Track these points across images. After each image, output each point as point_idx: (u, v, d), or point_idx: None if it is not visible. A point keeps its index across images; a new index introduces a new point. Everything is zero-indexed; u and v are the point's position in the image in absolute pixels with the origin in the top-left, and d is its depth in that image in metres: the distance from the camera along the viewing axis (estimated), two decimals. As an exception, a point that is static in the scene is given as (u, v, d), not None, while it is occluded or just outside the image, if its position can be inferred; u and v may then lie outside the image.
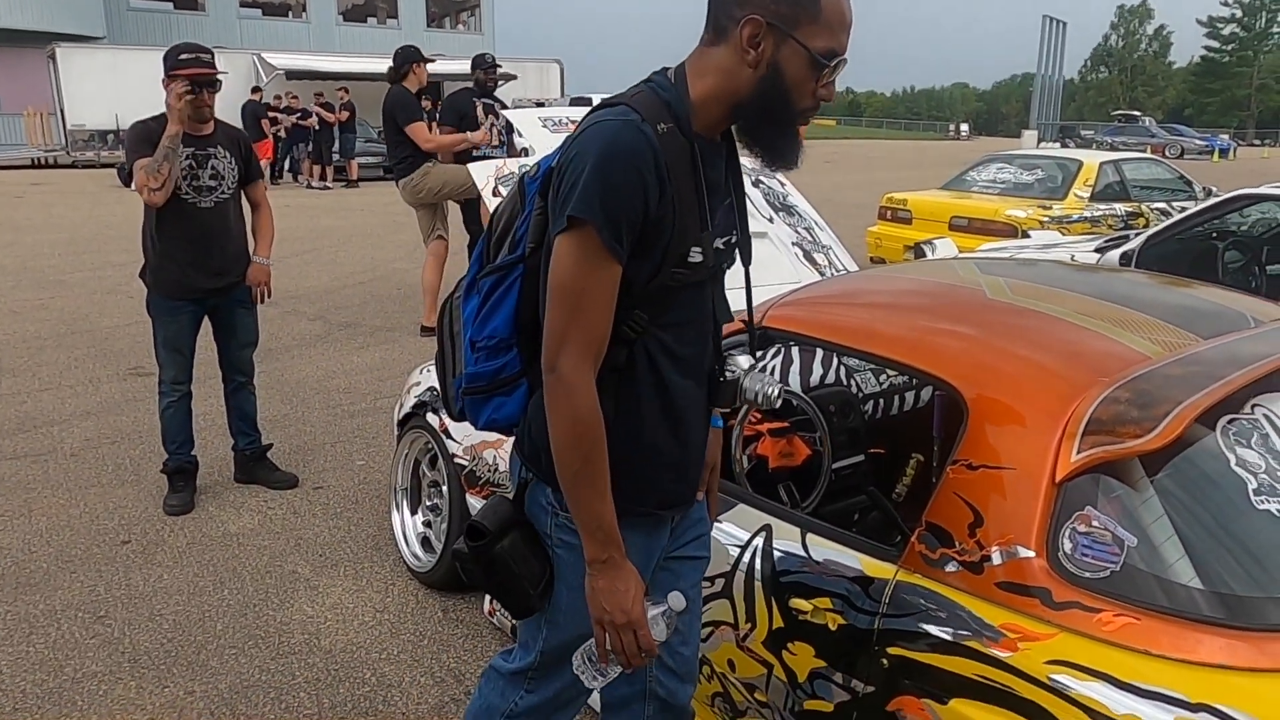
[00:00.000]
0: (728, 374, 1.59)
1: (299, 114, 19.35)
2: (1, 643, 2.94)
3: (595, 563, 1.45)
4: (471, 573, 1.58)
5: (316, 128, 19.10)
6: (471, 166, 4.28)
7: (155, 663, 2.85)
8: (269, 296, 3.98)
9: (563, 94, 28.64)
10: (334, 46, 29.58)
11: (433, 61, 6.82)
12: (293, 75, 22.57)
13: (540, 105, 22.38)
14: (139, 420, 5.00)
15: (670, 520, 1.64)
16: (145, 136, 3.61)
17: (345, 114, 19.35)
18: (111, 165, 20.28)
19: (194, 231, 3.69)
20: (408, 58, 6.48)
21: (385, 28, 33.64)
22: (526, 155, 3.29)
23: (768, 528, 2.00)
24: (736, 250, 1.59)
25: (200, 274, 3.72)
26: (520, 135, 3.57)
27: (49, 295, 8.21)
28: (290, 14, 32.68)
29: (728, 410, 1.63)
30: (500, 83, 12.70)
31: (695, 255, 1.45)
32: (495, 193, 3.21)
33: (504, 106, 6.87)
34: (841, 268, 3.62)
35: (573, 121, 3.56)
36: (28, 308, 7.72)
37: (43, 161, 22.70)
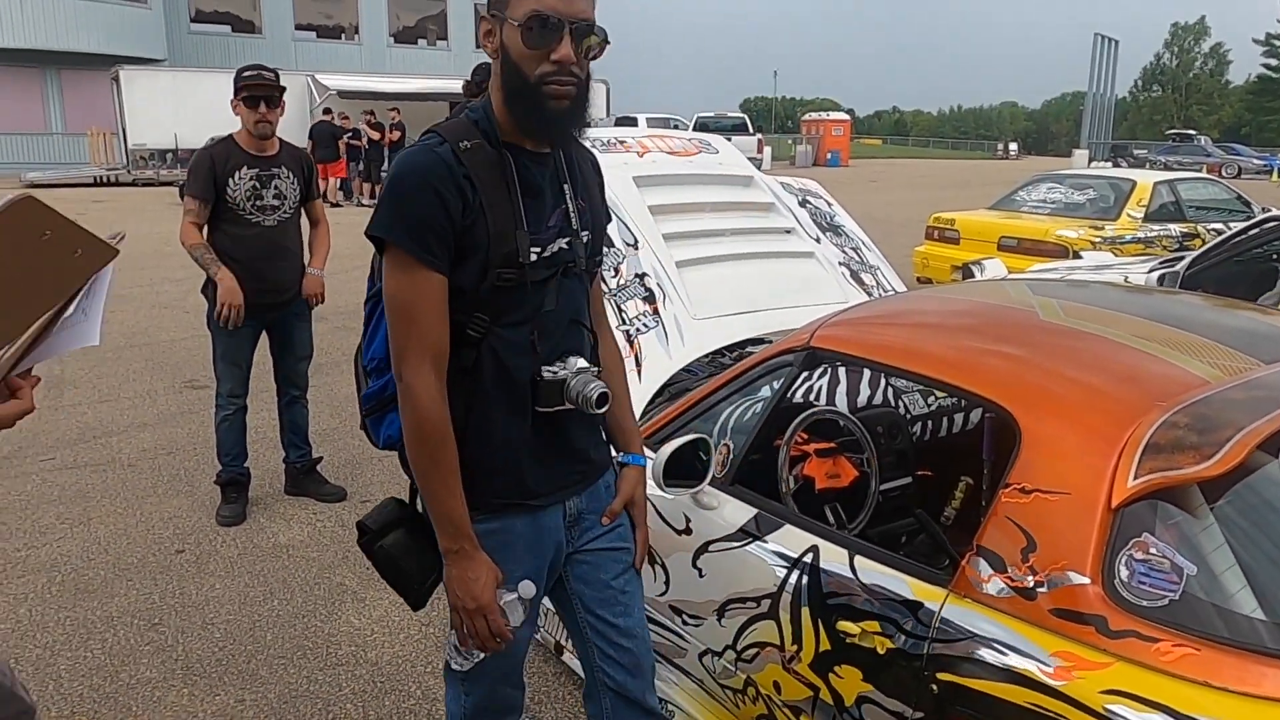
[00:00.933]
0: (547, 374, 1.63)
1: (350, 133, 19.74)
2: (61, 647, 3.02)
3: (448, 553, 1.59)
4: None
5: (366, 146, 19.47)
6: None
7: (207, 670, 2.91)
8: (322, 302, 4.05)
9: (608, 114, 28.88)
10: (385, 67, 30.18)
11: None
12: (345, 95, 23.03)
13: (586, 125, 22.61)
14: (193, 432, 5.12)
15: (559, 509, 1.72)
16: (205, 168, 3.73)
17: (396, 134, 19.69)
18: (170, 183, 20.83)
19: (255, 249, 3.79)
20: (489, 74, 6.51)
21: (435, 49, 34.23)
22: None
23: (815, 549, 1.99)
24: (585, 250, 1.68)
25: (260, 289, 3.81)
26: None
27: (109, 310, 8.43)
28: (343, 36, 33.40)
29: (550, 410, 1.65)
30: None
31: (524, 256, 1.56)
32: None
33: None
34: (889, 288, 3.60)
35: (622, 142, 3.60)
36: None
37: (104, 180, 23.39)
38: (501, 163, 1.57)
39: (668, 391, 2.90)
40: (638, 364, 2.91)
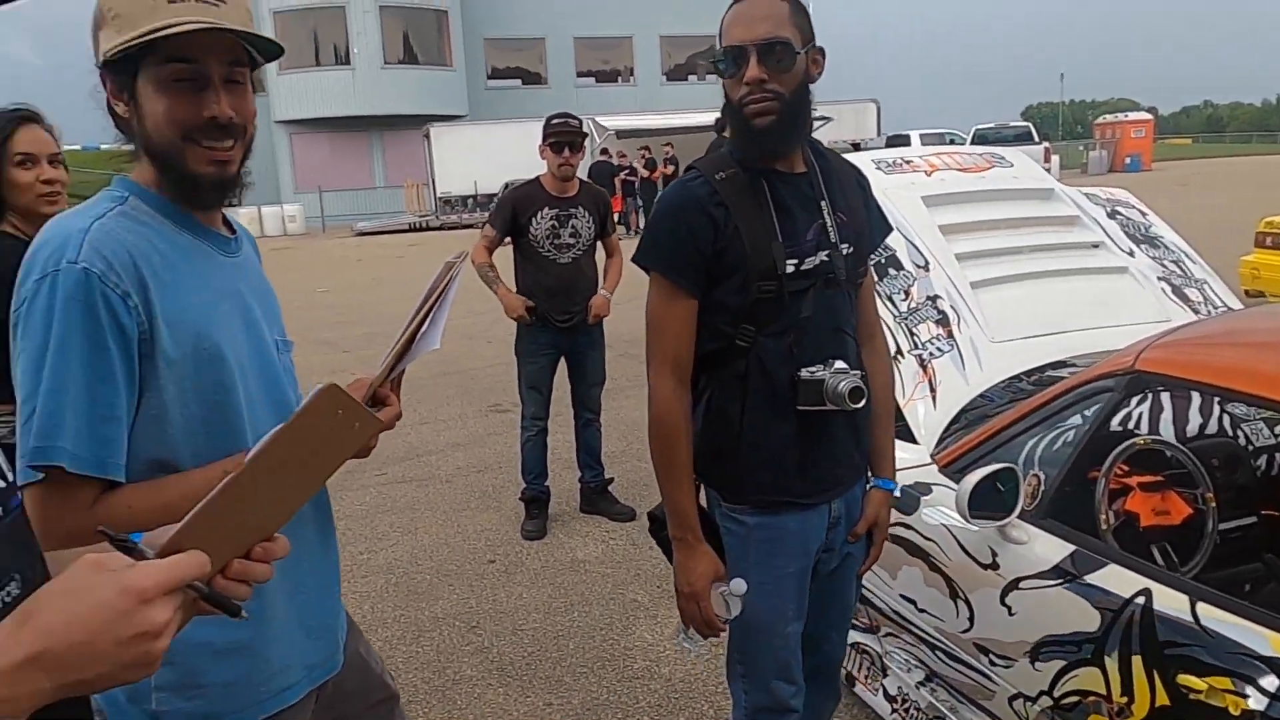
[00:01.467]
0: (805, 374, 1.73)
1: (627, 170, 20.78)
2: (398, 642, 3.40)
3: (674, 540, 1.80)
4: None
5: (638, 182, 20.40)
6: None
7: (519, 673, 3.15)
8: (606, 315, 4.28)
9: (879, 133, 28.21)
10: (658, 105, 31.48)
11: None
12: (622, 135, 24.31)
13: (856, 147, 22.17)
14: (499, 452, 5.59)
15: (825, 509, 1.84)
16: (507, 208, 4.12)
17: (670, 167, 20.46)
18: (471, 226, 23.00)
19: (552, 283, 4.11)
20: None
21: (705, 83, 35.24)
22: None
23: (1147, 591, 1.81)
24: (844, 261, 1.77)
25: (559, 321, 4.15)
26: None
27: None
28: (619, 79, 35.32)
29: (812, 409, 1.74)
30: (820, 125, 12.73)
31: (782, 269, 1.70)
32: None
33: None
34: (1221, 304, 3.21)
35: (908, 162, 3.51)
36: (409, 352, 8.94)
37: (417, 225, 26.25)
38: (754, 186, 1.72)
39: (964, 418, 2.77)
40: (931, 390, 2.81)
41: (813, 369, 1.73)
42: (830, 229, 1.76)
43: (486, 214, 4.16)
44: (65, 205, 2.20)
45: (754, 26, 1.65)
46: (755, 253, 1.69)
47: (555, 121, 4.09)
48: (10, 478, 0.81)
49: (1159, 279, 3.23)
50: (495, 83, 33.83)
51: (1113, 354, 2.22)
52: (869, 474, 1.95)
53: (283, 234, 27.39)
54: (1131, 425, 2.67)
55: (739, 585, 1.78)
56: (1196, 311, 3.14)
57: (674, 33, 34.09)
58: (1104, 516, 2.28)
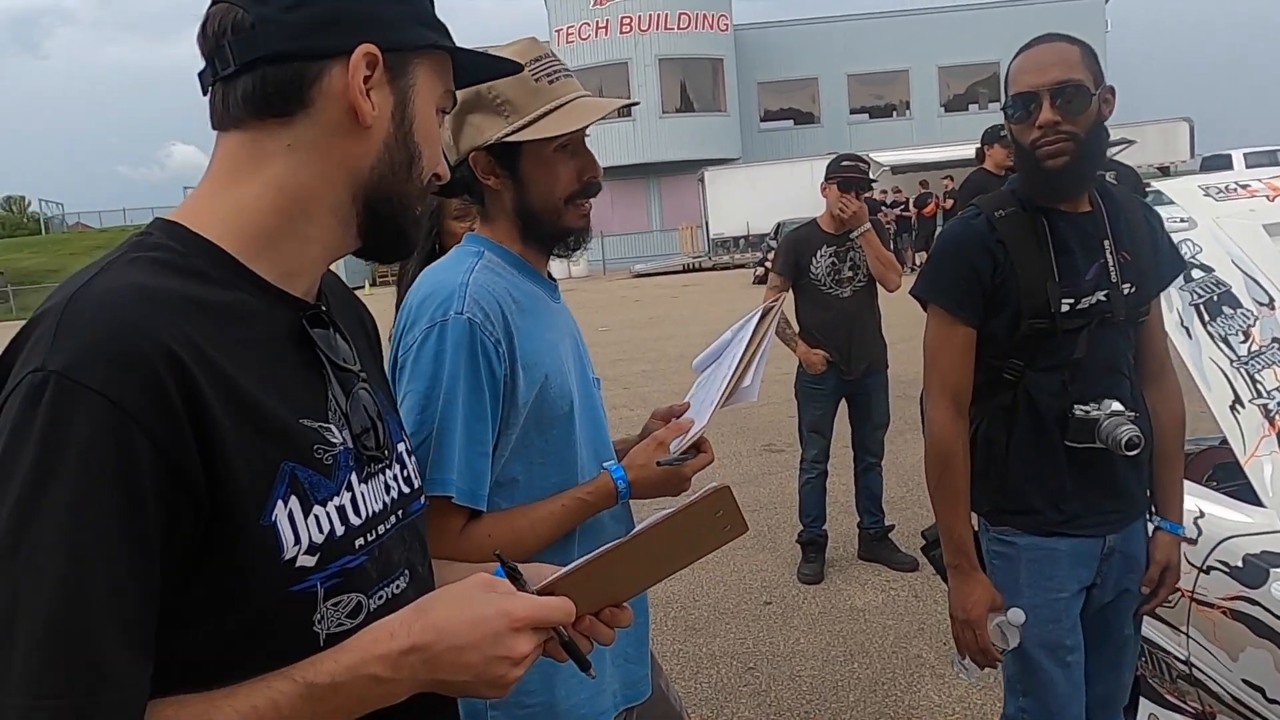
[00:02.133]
0: (1079, 411, 1.72)
1: (901, 205, 20.21)
2: (676, 676, 3.46)
3: (950, 567, 1.82)
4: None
5: (914, 218, 19.73)
6: None
7: (797, 720, 3.09)
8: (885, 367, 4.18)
9: (1192, 155, 25.40)
10: (936, 137, 30.39)
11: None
12: (897, 170, 23.69)
13: (1164, 171, 20.04)
14: (772, 492, 5.56)
15: (1099, 542, 1.82)
16: (789, 250, 4.13)
17: (949, 201, 19.64)
18: (743, 266, 23.33)
19: (833, 319, 4.07)
20: (985, 138, 6.20)
21: (987, 112, 33.59)
22: (1189, 227, 2.99)
23: None
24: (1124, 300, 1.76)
25: (843, 360, 4.08)
26: (1177, 205, 3.25)
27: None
28: (894, 114, 34.53)
29: (1080, 446, 1.75)
30: (1120, 149, 11.60)
31: (1055, 307, 1.72)
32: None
33: (1133, 181, 6.20)
34: None
35: (1244, 186, 3.12)
36: (685, 390, 9.17)
37: (691, 266, 27.06)
38: (1034, 225, 1.76)
39: (1325, 479, 2.38)
40: (1280, 444, 2.44)
41: (1086, 407, 1.73)
42: (1112, 269, 1.77)
43: (758, 253, 4.20)
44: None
45: (1045, 71, 1.69)
46: (1030, 291, 1.73)
47: (845, 164, 4.08)
48: (418, 483, 0.93)
49: None
50: (768, 124, 34.30)
51: None
52: (1153, 514, 1.93)
53: (568, 276, 29.29)
54: None
55: (1017, 615, 1.77)
56: None
57: (952, 62, 32.88)
58: None
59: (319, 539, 0.77)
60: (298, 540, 0.76)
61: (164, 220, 0.82)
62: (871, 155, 25.46)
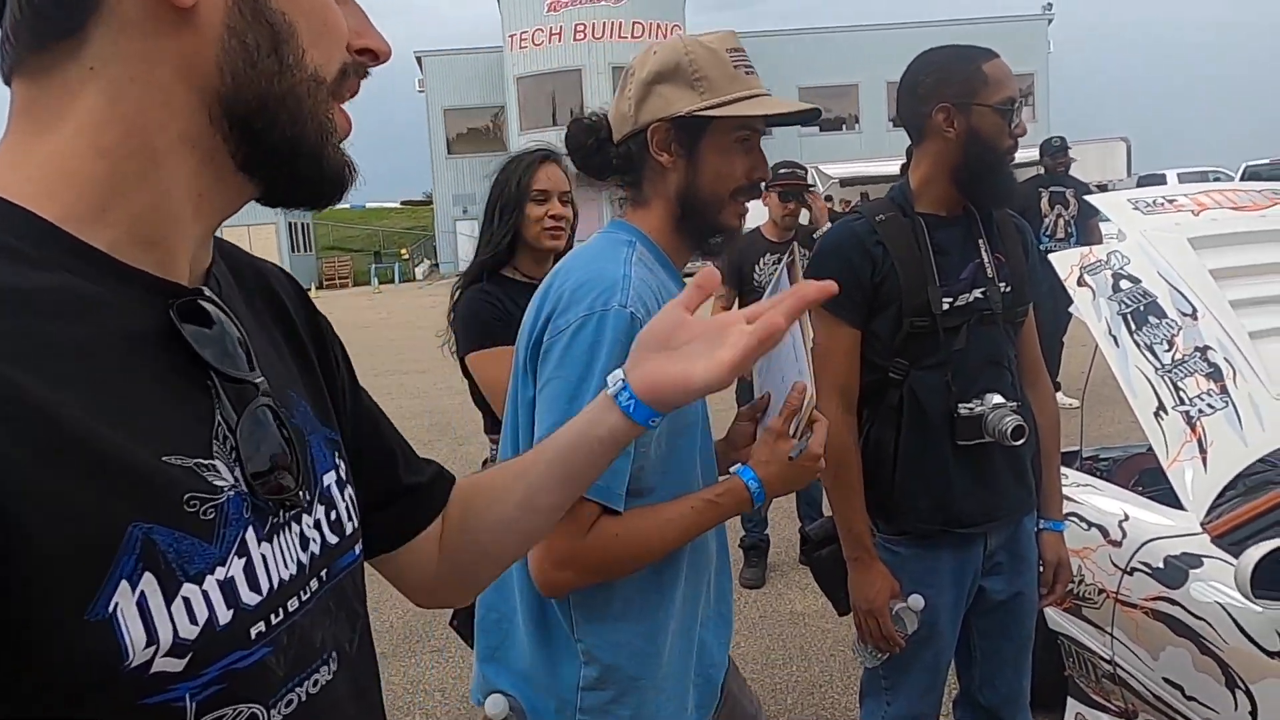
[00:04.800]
0: (964, 410, 1.79)
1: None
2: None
3: (850, 560, 1.87)
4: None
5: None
6: (1051, 257, 4.10)
7: (735, 723, 3.10)
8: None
9: (1129, 174, 26.14)
10: (884, 150, 30.90)
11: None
12: (846, 183, 23.99)
13: (1102, 188, 20.58)
14: (717, 498, 5.58)
15: (981, 540, 1.90)
16: (734, 261, 4.16)
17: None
18: (689, 274, 23.42)
19: None
20: None
21: (934, 128, 34.35)
22: (1119, 240, 3.08)
23: None
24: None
25: None
26: (1109, 220, 3.34)
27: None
28: (844, 127, 35.03)
29: (971, 443, 1.81)
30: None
31: (936, 307, 1.79)
32: (1081, 282, 3.03)
33: (1087, 191, 6.40)
34: None
35: (1171, 201, 3.22)
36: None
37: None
38: (913, 228, 1.84)
39: (1243, 484, 2.47)
40: (1201, 450, 2.52)
41: (970, 405, 1.80)
42: (988, 266, 1.86)
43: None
44: (565, 242, 2.37)
45: (1014, 83, 1.83)
46: (910, 291, 1.80)
47: (784, 171, 4.11)
48: (352, 527, 0.73)
49: None
50: (721, 135, 34.51)
51: None
52: (1039, 516, 2.01)
53: (518, 282, 29.15)
54: None
55: (916, 601, 1.85)
56: None
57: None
58: None
59: (189, 634, 0.53)
60: (151, 639, 0.51)
61: None
62: (821, 167, 25.82)
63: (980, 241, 1.89)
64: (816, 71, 33.75)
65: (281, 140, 0.61)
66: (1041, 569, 2.02)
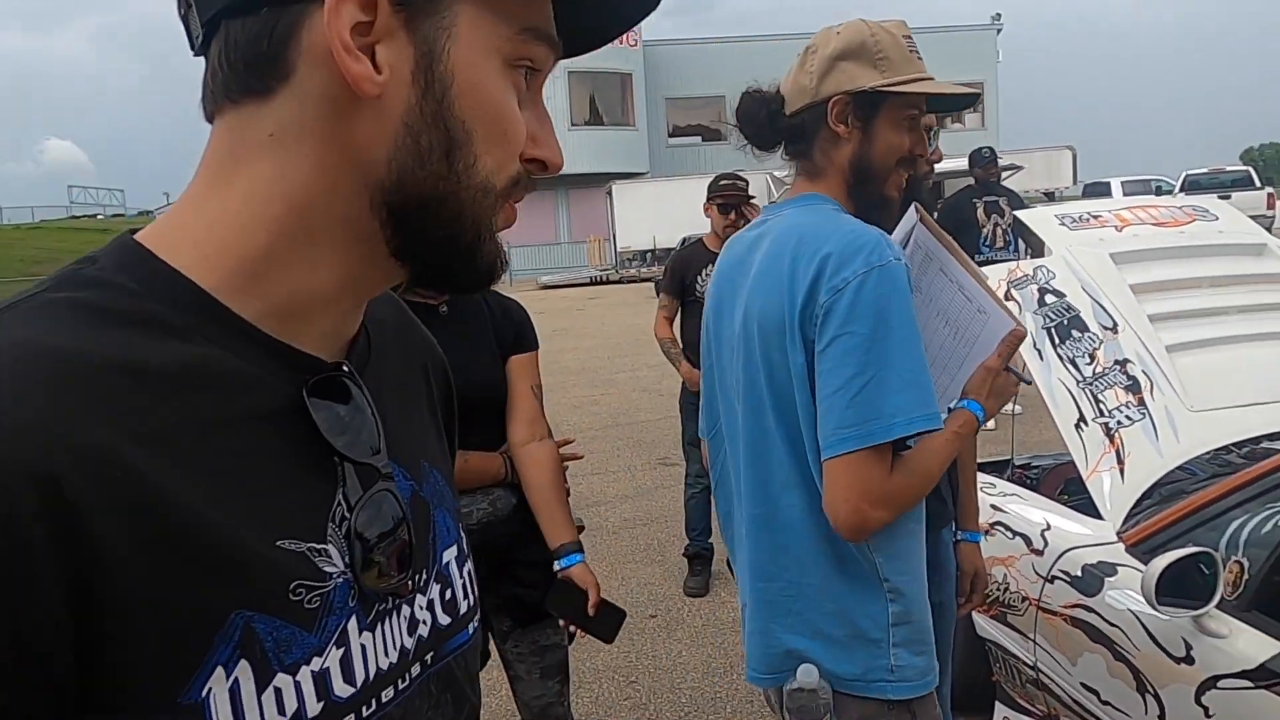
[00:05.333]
0: None
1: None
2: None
3: None
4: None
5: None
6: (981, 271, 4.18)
7: (674, 733, 3.12)
8: None
9: (1075, 181, 26.72)
10: (838, 158, 31.30)
11: None
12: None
13: (1050, 197, 21.00)
14: (665, 506, 5.62)
15: None
16: (675, 269, 4.20)
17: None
18: (649, 280, 23.50)
19: None
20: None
21: (886, 135, 34.81)
22: (1046, 255, 3.17)
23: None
24: None
25: None
26: (1036, 234, 3.43)
27: (600, 392, 9.68)
28: (799, 133, 35.41)
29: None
30: (1008, 174, 12.08)
31: None
32: (1008, 296, 3.11)
33: (1019, 205, 6.53)
34: None
35: (1095, 216, 3.31)
36: (584, 402, 9.18)
37: (598, 279, 27.10)
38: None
39: (1158, 493, 2.55)
40: (1119, 461, 2.60)
41: None
42: None
43: (662, 268, 4.28)
44: None
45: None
46: None
47: (723, 183, 4.14)
48: (466, 606, 0.70)
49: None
50: (676, 140, 34.66)
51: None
52: (956, 528, 2.05)
53: (474, 287, 28.94)
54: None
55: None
56: None
57: (855, 86, 33.92)
58: None
59: None
60: None
61: (120, 240, 0.58)
62: (774, 174, 26.07)
63: None
64: (773, 80, 33.99)
65: (436, 237, 0.60)
66: (959, 578, 2.06)
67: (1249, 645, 1.86)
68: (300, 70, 0.56)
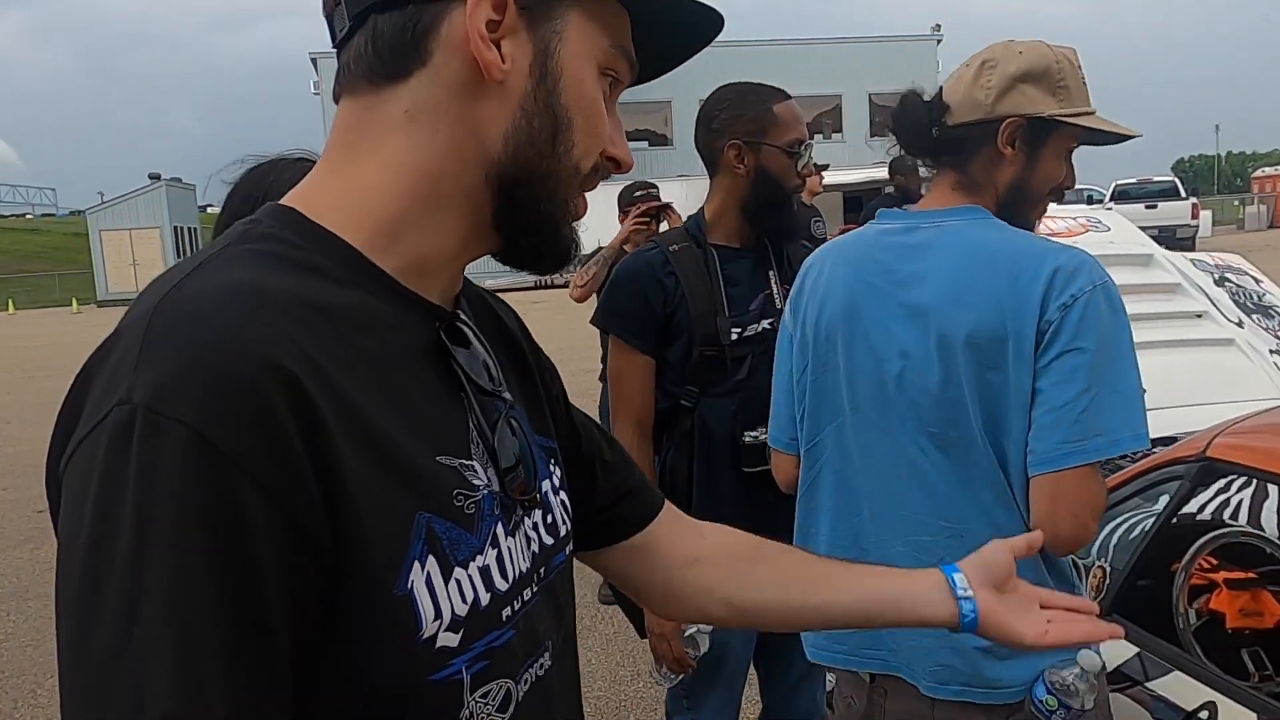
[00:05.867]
0: (748, 438, 1.84)
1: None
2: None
3: None
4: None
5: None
6: None
7: (575, 743, 3.11)
8: None
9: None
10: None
11: (825, 168, 6.65)
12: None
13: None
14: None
15: None
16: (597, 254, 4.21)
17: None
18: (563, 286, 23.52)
19: None
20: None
21: (831, 142, 35.24)
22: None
23: (1211, 705, 1.64)
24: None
25: None
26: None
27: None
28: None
29: (756, 470, 1.84)
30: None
31: (725, 337, 1.85)
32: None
33: None
34: (1344, 380, 2.93)
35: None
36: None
37: (542, 284, 26.97)
38: (705, 258, 1.89)
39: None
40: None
41: (755, 433, 1.81)
42: (777, 297, 1.91)
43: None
44: None
45: (803, 124, 1.93)
46: (699, 320, 1.85)
47: (638, 194, 4.14)
48: (565, 529, 0.80)
49: (1271, 352, 2.98)
50: (623, 144, 34.73)
51: (1191, 437, 2.05)
52: None
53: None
54: (1227, 515, 2.45)
55: (706, 624, 1.87)
56: (1315, 388, 2.87)
57: (800, 93, 34.18)
58: (1182, 615, 2.09)
59: (462, 611, 0.62)
60: (438, 614, 0.60)
61: (276, 206, 0.67)
62: (689, 177, 26.20)
63: (771, 273, 1.94)
64: (717, 84, 34.23)
65: (532, 210, 0.69)
66: None
67: (1106, 649, 1.89)
68: (437, 57, 0.65)
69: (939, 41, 35.45)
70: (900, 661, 1.44)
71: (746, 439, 1.86)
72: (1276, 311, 3.16)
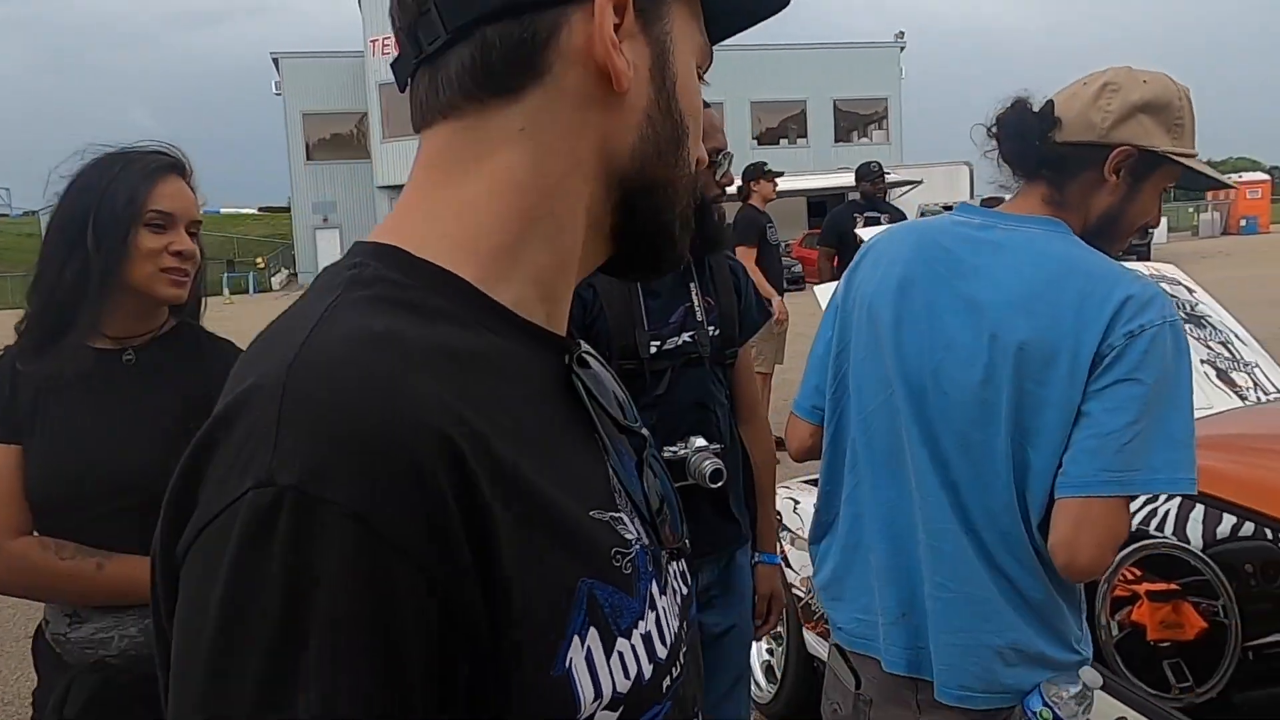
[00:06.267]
0: (667, 453, 1.77)
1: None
2: None
3: None
4: None
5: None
6: (815, 289, 4.20)
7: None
8: None
9: (972, 195, 27.69)
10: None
11: (780, 175, 6.63)
12: (783, 194, 24.47)
13: (949, 209, 21.66)
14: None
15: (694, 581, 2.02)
16: None
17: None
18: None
19: None
20: (748, 174, 6.34)
21: (796, 147, 35.43)
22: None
23: (1124, 722, 1.64)
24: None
25: None
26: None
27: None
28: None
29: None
30: (907, 189, 12.35)
31: (644, 351, 1.81)
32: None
33: (898, 217, 6.60)
34: (1273, 390, 2.96)
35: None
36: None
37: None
38: None
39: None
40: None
41: (674, 448, 1.80)
42: (698, 310, 1.89)
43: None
44: (189, 294, 1.54)
45: (721, 134, 1.96)
46: (618, 333, 1.81)
47: None
48: (689, 586, 0.71)
49: (1202, 361, 3.00)
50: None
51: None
52: (754, 550, 2.06)
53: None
54: (1154, 524, 2.46)
55: None
56: (1244, 398, 2.90)
57: (764, 98, 34.44)
58: (1104, 628, 2.10)
59: (623, 687, 0.54)
60: (598, 693, 0.53)
61: (370, 244, 0.59)
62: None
63: (691, 285, 1.91)
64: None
65: (654, 220, 0.64)
66: (755, 601, 2.06)
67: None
68: (555, 68, 0.59)
69: (902, 49, 35.83)
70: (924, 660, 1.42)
71: (666, 454, 1.82)
72: (1209, 321, 3.19)
